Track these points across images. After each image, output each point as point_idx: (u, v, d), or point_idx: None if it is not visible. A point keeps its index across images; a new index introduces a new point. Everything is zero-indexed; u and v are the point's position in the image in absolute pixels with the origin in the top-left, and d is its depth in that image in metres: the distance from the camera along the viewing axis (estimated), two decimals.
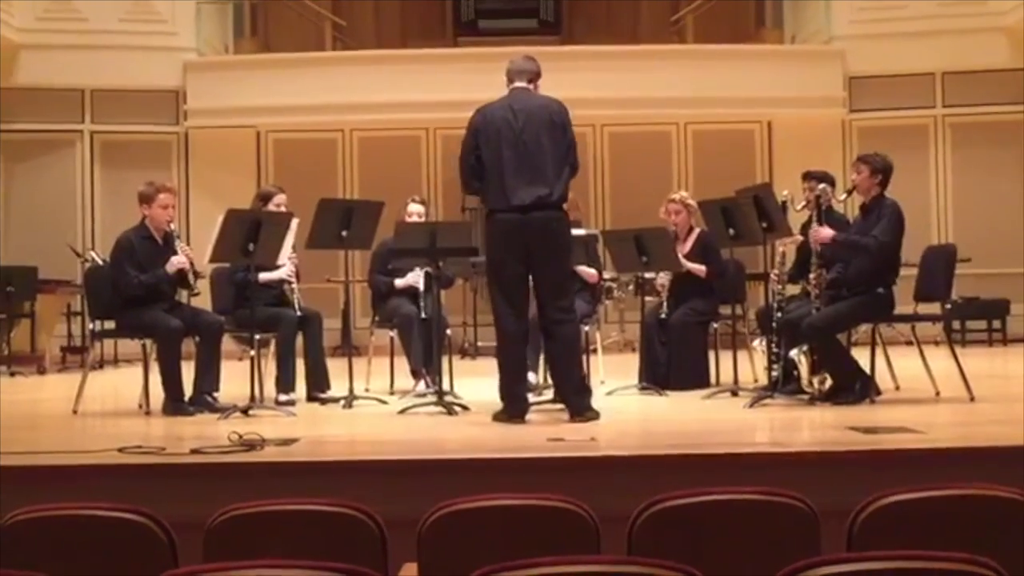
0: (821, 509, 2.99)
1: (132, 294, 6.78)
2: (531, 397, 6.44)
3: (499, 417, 6.02)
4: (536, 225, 5.97)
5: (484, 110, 6.20)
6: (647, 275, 7.98)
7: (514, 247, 6.01)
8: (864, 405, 6.37)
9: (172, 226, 6.99)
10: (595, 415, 5.99)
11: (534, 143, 6.03)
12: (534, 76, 6.29)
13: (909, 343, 7.13)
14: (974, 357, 9.84)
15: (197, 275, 6.98)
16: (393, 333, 7.95)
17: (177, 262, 6.82)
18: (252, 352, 6.75)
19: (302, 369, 7.28)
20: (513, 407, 6.03)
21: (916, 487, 2.95)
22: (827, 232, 6.59)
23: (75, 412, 6.84)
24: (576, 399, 6.04)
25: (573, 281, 6.61)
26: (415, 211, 7.92)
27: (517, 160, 5.99)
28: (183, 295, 7.25)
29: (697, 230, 8.05)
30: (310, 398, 7.21)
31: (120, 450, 4.85)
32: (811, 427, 5.92)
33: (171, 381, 6.68)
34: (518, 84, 6.26)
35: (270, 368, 7.35)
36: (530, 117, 6.07)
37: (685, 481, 3.26)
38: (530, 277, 6.10)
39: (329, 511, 2.99)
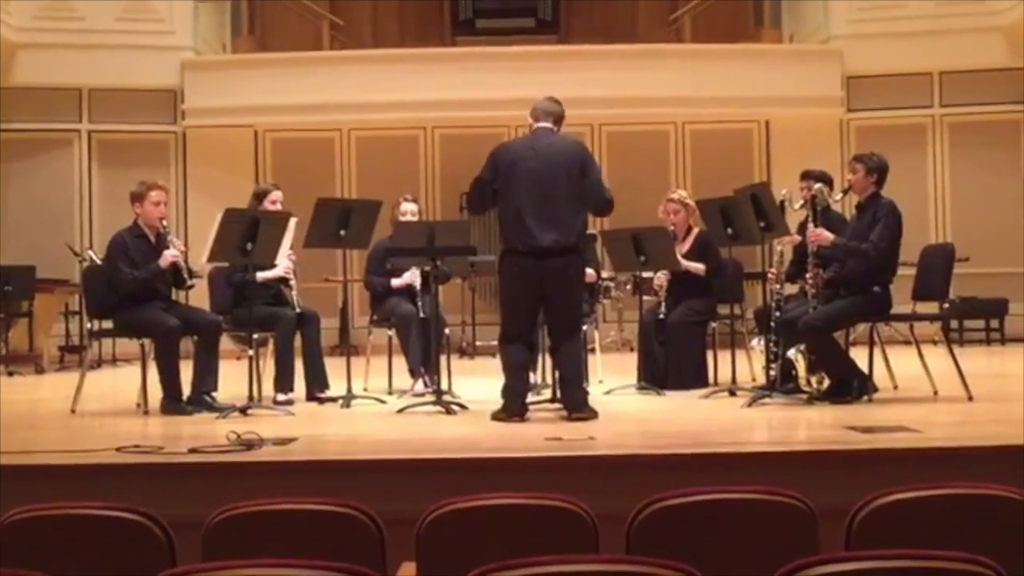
0: (819, 508, 2.99)
1: (128, 290, 6.77)
2: (529, 396, 6.44)
3: (498, 416, 6.04)
4: (551, 270, 6.07)
5: (506, 146, 6.31)
6: (645, 274, 7.98)
7: (528, 286, 6.12)
8: (862, 404, 6.38)
9: (164, 223, 6.98)
10: (593, 413, 6.00)
11: (551, 185, 6.09)
12: (559, 119, 6.36)
13: (907, 342, 7.13)
14: (972, 356, 9.85)
15: (192, 272, 6.98)
16: (391, 332, 7.95)
17: (170, 255, 6.82)
18: (250, 351, 6.75)
19: (300, 368, 7.28)
20: (512, 406, 6.05)
21: (914, 486, 2.95)
22: (827, 236, 6.59)
23: (73, 411, 6.84)
24: (575, 396, 6.08)
25: (582, 308, 6.70)
26: (409, 210, 7.91)
27: (534, 202, 6.06)
28: (180, 295, 7.24)
29: (696, 230, 8.04)
30: (308, 397, 7.21)
31: (118, 449, 4.85)
32: (809, 426, 5.92)
33: (169, 380, 6.68)
34: (543, 124, 6.31)
35: (268, 367, 7.34)
36: (549, 159, 6.13)
37: (683, 480, 3.26)
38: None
39: (327, 510, 2.99)
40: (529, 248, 6.04)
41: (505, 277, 6.25)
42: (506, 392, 6.13)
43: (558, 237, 6.04)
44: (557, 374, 6.36)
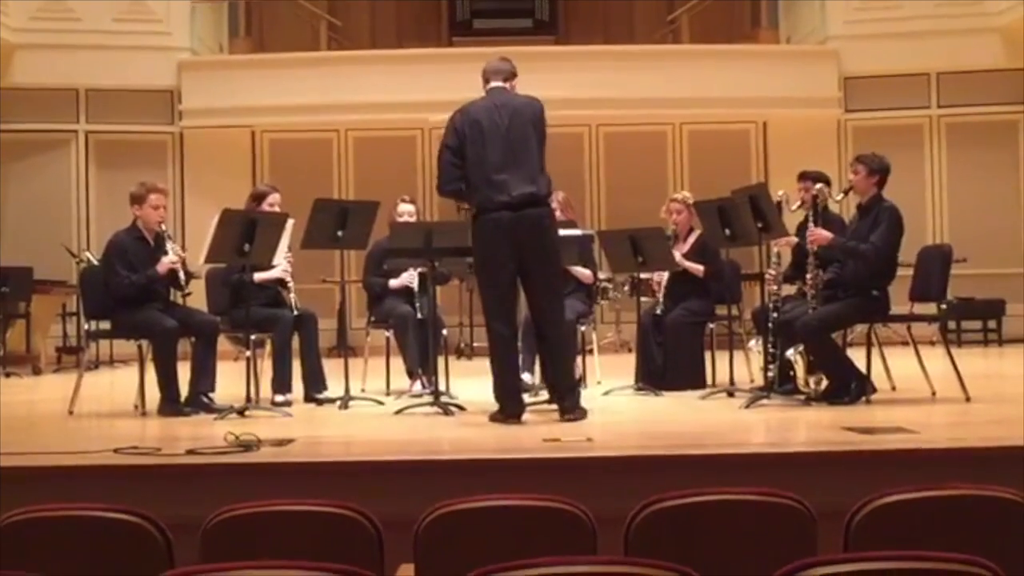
0: (818, 509, 2.99)
1: (124, 294, 6.77)
2: (526, 397, 6.43)
3: (495, 418, 6.03)
4: (528, 222, 5.97)
5: (466, 109, 6.17)
6: (643, 275, 7.98)
7: (505, 245, 5.99)
8: (860, 405, 6.38)
9: (163, 226, 6.98)
10: (582, 414, 6.02)
11: (520, 140, 6.03)
12: (510, 75, 6.30)
13: (905, 343, 7.13)
14: (970, 357, 9.86)
15: (189, 275, 6.97)
16: (389, 333, 7.95)
17: (167, 262, 6.81)
18: (248, 352, 6.74)
19: (298, 370, 7.28)
20: (509, 407, 6.04)
21: (912, 487, 2.95)
22: (826, 235, 6.60)
23: (71, 413, 6.83)
24: (566, 398, 6.07)
25: (563, 278, 6.62)
26: (406, 211, 7.91)
27: (505, 157, 5.99)
28: (177, 296, 7.24)
29: (697, 231, 8.04)
30: (306, 399, 7.20)
31: (116, 451, 4.84)
32: (807, 427, 5.92)
33: (167, 382, 6.68)
34: (495, 84, 6.25)
35: (266, 369, 7.34)
36: (515, 114, 6.08)
37: (681, 481, 3.26)
38: (519, 277, 6.11)
39: (325, 512, 2.99)
40: (504, 203, 5.93)
41: (479, 240, 6.09)
42: (500, 393, 6.10)
43: (533, 190, 5.97)
44: (543, 368, 6.31)
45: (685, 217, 8.05)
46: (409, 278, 7.80)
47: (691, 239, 8.06)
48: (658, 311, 7.90)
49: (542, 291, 6.11)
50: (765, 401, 6.53)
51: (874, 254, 6.48)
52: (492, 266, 6.08)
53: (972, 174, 13.90)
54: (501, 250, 6.00)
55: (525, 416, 6.08)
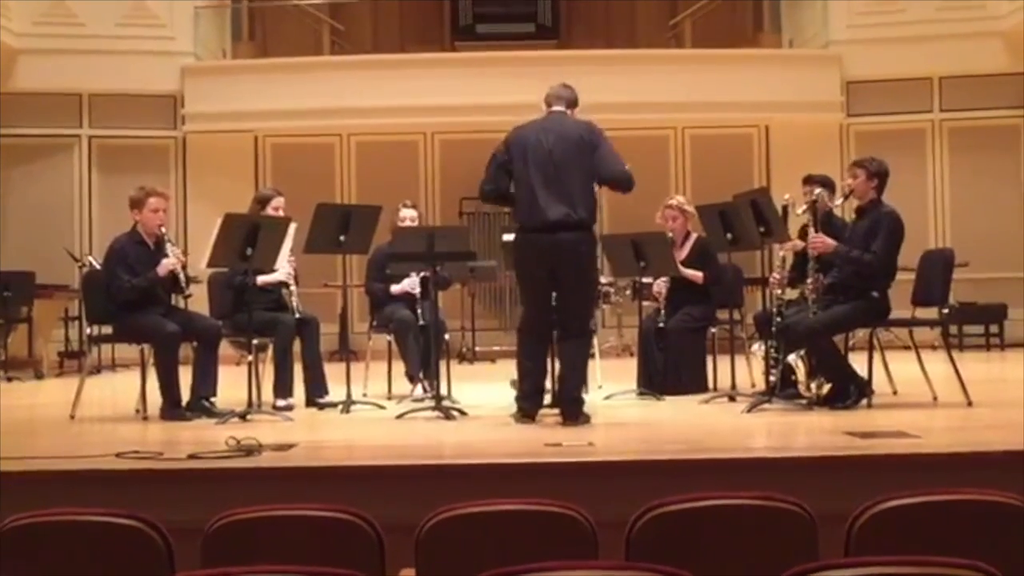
0: (819, 514, 2.98)
1: (125, 298, 6.77)
2: None
3: (516, 418, 6.12)
4: (562, 246, 6.09)
5: (521, 128, 6.34)
6: (645, 280, 7.98)
7: (540, 266, 6.17)
8: (861, 409, 6.37)
9: (163, 230, 6.99)
10: (586, 420, 6.07)
11: (562, 163, 6.14)
12: (571, 103, 6.45)
13: (907, 348, 7.13)
14: (972, 362, 9.84)
15: (189, 278, 6.97)
16: (391, 338, 7.95)
17: (168, 264, 6.81)
18: (250, 357, 6.74)
19: (300, 374, 7.28)
20: (523, 407, 6.14)
21: (914, 492, 2.95)
22: (830, 243, 6.58)
23: (72, 417, 6.83)
24: (571, 405, 6.12)
25: (594, 300, 6.71)
26: (408, 216, 7.92)
27: (545, 179, 6.12)
28: (177, 298, 7.25)
29: (694, 236, 8.05)
30: (308, 403, 7.20)
31: (118, 455, 4.85)
32: (809, 432, 5.92)
33: (168, 386, 6.68)
34: (556, 108, 6.39)
35: (268, 373, 7.34)
36: (560, 138, 6.19)
37: (683, 486, 3.26)
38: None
39: (327, 516, 2.99)
40: (541, 224, 6.09)
41: (518, 258, 6.33)
42: (518, 394, 6.21)
43: (569, 211, 6.08)
44: (558, 374, 6.37)
45: (680, 223, 8.06)
46: (411, 283, 7.80)
47: (688, 244, 8.06)
48: (660, 323, 7.89)
49: (569, 308, 6.24)
50: (767, 405, 6.53)
51: (877, 264, 6.49)
52: (528, 285, 6.32)
53: (974, 178, 13.90)
54: (536, 270, 6.21)
55: (537, 416, 6.15)
